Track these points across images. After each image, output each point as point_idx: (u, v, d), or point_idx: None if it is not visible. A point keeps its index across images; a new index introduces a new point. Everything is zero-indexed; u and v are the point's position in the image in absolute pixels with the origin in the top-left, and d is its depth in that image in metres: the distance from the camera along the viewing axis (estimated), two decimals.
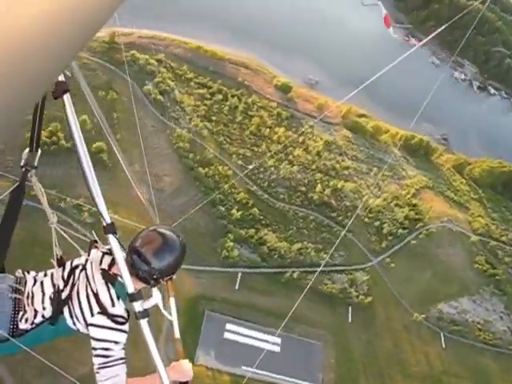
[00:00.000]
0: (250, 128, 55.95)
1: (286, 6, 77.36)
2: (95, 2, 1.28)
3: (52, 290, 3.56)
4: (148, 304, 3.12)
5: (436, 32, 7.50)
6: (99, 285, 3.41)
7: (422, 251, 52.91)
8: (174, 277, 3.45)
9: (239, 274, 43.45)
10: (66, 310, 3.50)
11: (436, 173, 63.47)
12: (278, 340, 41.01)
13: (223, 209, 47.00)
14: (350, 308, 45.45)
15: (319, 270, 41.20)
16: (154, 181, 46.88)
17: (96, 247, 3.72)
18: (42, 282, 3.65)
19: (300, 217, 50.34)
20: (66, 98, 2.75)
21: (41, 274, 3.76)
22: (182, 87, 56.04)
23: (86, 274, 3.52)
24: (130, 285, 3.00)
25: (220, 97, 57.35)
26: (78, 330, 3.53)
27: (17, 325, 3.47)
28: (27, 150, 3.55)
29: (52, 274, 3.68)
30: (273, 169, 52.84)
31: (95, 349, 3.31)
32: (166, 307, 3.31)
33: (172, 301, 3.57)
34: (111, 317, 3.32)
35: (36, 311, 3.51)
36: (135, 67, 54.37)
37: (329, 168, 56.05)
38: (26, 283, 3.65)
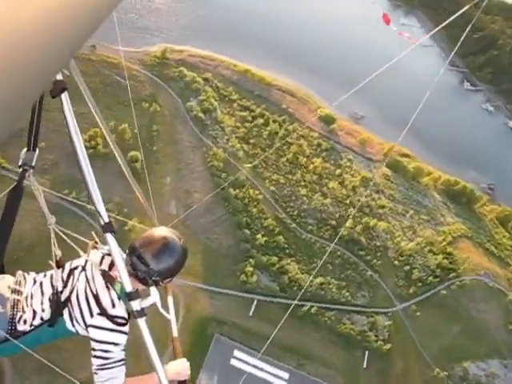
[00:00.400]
0: (287, 155, 55.56)
1: (342, 40, 77.53)
2: None
3: (51, 291, 3.47)
4: (146, 303, 3.08)
5: (442, 25, 6.60)
6: (99, 286, 3.35)
7: (453, 303, 49.90)
8: (175, 279, 3.44)
9: (255, 301, 42.39)
10: (65, 312, 3.43)
11: (477, 223, 60.34)
12: (286, 375, 39.42)
13: (248, 232, 46.40)
14: (366, 353, 43.14)
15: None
16: (183, 196, 47.13)
17: (96, 248, 3.63)
18: (41, 283, 3.58)
19: (326, 251, 48.85)
20: (64, 96, 2.63)
21: (41, 274, 3.70)
22: (224, 107, 56.66)
23: (86, 275, 3.45)
24: (128, 284, 2.91)
25: (261, 121, 57.52)
26: (77, 332, 3.45)
27: (15, 326, 3.41)
28: (25, 149, 3.40)
29: (52, 276, 3.58)
30: (305, 198, 51.96)
31: (94, 350, 3.26)
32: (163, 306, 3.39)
33: (170, 300, 3.77)
34: (111, 318, 3.25)
35: (35, 312, 3.45)
36: (181, 83, 55.61)
37: (363, 204, 54.44)
38: (25, 284, 3.60)
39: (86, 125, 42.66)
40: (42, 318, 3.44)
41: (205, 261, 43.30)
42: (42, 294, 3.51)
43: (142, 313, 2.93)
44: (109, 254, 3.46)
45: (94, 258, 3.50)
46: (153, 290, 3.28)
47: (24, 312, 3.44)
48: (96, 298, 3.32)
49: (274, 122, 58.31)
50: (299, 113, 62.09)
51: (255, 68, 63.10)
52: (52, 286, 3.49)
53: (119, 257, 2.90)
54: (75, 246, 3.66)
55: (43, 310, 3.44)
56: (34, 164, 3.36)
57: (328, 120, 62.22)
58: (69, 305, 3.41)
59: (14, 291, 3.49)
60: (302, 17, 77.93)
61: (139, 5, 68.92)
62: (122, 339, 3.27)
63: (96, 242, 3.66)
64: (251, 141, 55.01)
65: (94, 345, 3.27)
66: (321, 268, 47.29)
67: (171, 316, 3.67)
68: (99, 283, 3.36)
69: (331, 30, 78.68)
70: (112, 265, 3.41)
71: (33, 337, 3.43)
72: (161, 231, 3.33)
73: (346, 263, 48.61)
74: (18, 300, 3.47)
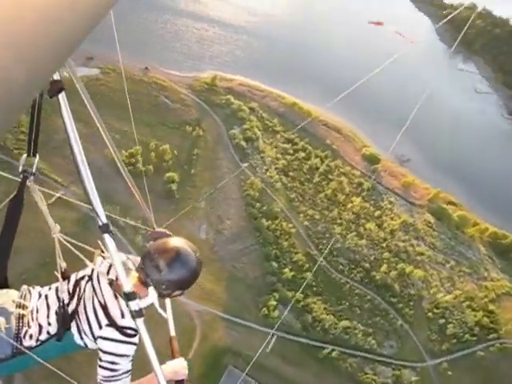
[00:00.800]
0: (325, 191, 54.52)
1: (395, 85, 76.59)
2: None
3: (57, 304, 3.42)
4: (144, 303, 3.00)
5: (443, 21, 5.95)
6: (107, 296, 3.30)
7: (490, 367, 45.96)
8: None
9: (274, 337, 40.86)
10: (73, 325, 3.37)
11: None
12: None
13: (276, 265, 45.33)
14: None
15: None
16: (215, 221, 46.98)
17: (102, 257, 3.56)
18: (46, 296, 3.53)
19: (356, 294, 46.85)
20: (62, 97, 2.57)
21: (45, 288, 3.65)
22: (267, 138, 56.74)
23: (93, 285, 3.40)
24: (127, 284, 2.84)
25: (303, 154, 57.05)
26: (86, 345, 3.40)
27: (20, 342, 3.34)
28: (25, 155, 3.31)
29: (57, 288, 3.53)
30: (339, 237, 50.38)
31: (101, 360, 3.21)
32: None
33: (167, 299, 3.73)
34: (120, 329, 3.20)
35: (41, 327, 3.39)
36: (227, 110, 56.40)
37: (400, 250, 52.13)
38: (31, 298, 3.55)
39: (128, 142, 43.95)
40: (48, 333, 3.36)
41: (228, 289, 42.56)
42: (48, 307, 3.44)
43: (140, 313, 2.86)
44: None
45: (101, 268, 3.43)
46: (151, 290, 3.17)
47: (29, 327, 3.36)
48: (104, 308, 3.25)
49: (316, 156, 57.68)
50: (343, 150, 61.22)
51: (303, 102, 63.10)
52: (58, 298, 3.41)
53: (117, 257, 2.81)
54: (81, 256, 3.49)
55: (49, 324, 3.37)
56: (34, 170, 3.24)
57: (372, 159, 60.95)
58: (76, 317, 3.34)
59: (18, 305, 3.40)
60: (355, 55, 77.84)
61: (195, 33, 71.44)
62: (130, 351, 3.20)
63: (102, 251, 3.54)
64: (290, 173, 54.51)
65: (101, 355, 3.21)
66: (347, 311, 45.30)
67: (168, 315, 3.67)
68: (107, 293, 3.29)
69: (388, 71, 77.99)
70: None
71: (40, 352, 3.33)
72: (176, 241, 3.26)
73: (375, 309, 46.28)
74: (24, 315, 3.39)
